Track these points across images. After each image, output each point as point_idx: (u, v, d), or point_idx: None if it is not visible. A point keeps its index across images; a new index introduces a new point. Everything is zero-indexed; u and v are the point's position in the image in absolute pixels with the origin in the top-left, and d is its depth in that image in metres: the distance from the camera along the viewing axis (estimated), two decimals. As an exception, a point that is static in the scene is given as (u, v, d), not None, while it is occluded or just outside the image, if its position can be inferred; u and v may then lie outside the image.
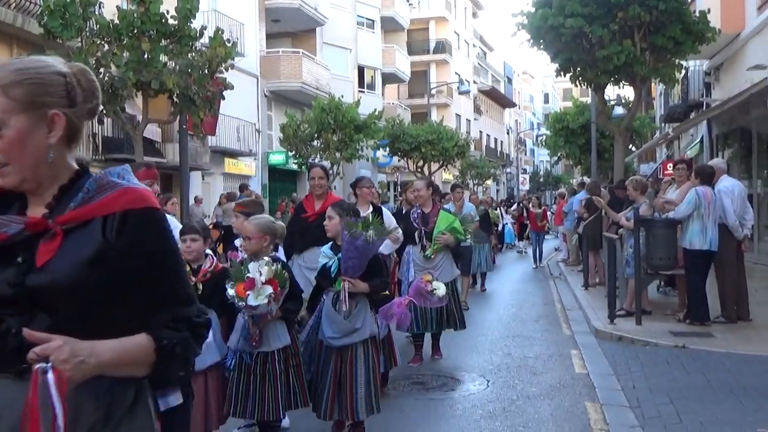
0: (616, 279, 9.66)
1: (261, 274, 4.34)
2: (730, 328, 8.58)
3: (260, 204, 6.53)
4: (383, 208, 7.82)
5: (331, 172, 24.49)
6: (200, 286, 4.49)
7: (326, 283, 4.98)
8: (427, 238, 7.34)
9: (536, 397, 6.30)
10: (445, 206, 9.21)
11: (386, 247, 6.47)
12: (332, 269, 4.92)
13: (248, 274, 4.35)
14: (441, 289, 6.06)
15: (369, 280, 4.90)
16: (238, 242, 6.17)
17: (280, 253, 5.43)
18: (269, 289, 4.32)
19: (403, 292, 6.96)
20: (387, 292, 5.65)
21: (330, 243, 5.07)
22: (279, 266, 4.48)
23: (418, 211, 7.52)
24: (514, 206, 26.09)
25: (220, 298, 4.49)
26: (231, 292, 4.35)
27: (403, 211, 8.02)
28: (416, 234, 7.38)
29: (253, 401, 4.58)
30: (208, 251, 4.82)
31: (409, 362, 7.33)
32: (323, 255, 5.05)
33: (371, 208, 7.20)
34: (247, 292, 4.30)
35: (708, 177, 8.76)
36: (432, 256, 7.30)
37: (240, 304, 4.34)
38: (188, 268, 4.35)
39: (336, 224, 4.93)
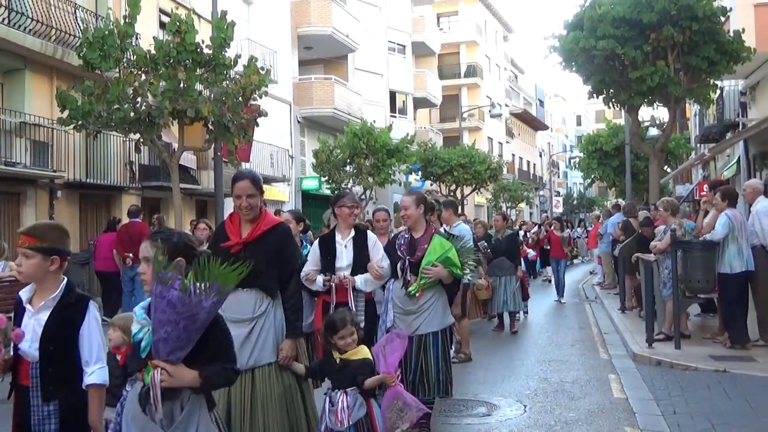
0: (654, 302, 9.54)
1: None
2: (772, 352, 8.41)
3: None
4: (369, 233, 5.87)
5: (363, 197, 24.63)
6: None
7: (133, 365, 3.06)
8: (413, 271, 5.56)
9: (574, 422, 6.21)
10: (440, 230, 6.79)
11: (366, 284, 5.44)
12: (143, 345, 2.99)
13: None
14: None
15: (201, 365, 2.95)
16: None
17: None
18: None
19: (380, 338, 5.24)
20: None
21: (147, 300, 3.10)
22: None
23: (406, 236, 5.75)
24: (535, 228, 22.27)
25: None
26: None
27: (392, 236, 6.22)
28: (398, 265, 5.59)
29: None
30: None
31: None
32: (135, 320, 3.08)
33: (353, 233, 5.66)
34: None
35: (734, 199, 8.89)
36: (417, 295, 5.50)
37: None
38: None
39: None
